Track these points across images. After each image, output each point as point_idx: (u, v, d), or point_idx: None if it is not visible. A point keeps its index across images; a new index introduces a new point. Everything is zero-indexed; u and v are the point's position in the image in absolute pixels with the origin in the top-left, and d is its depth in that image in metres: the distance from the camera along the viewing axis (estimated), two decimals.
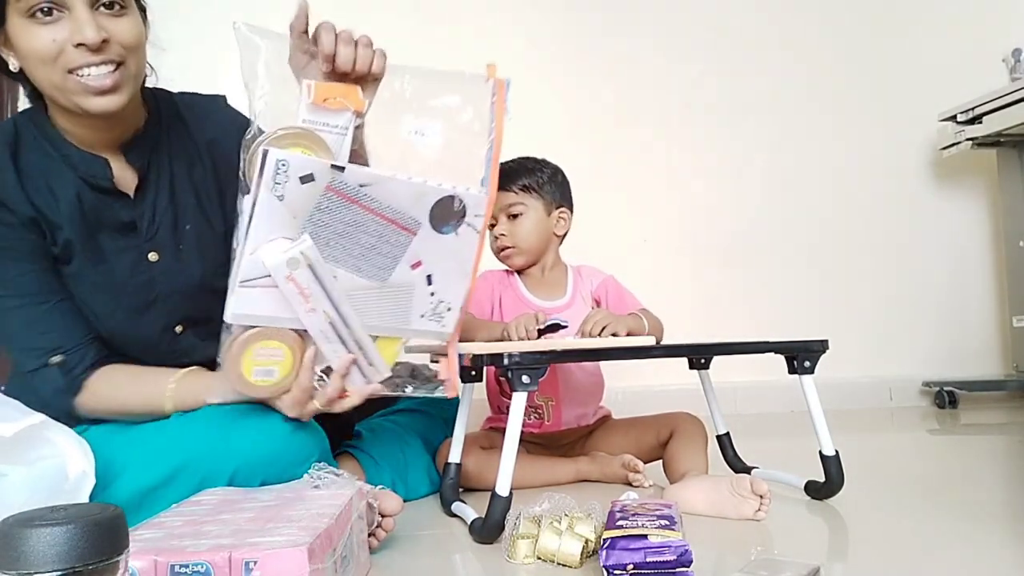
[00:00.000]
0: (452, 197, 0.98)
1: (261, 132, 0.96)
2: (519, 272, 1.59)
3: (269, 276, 0.93)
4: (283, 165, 0.90)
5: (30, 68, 1.04)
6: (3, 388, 1.15)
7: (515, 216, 1.53)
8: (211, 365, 1.07)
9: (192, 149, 1.20)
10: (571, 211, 1.60)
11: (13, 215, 1.08)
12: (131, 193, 1.15)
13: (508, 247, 1.54)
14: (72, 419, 1.09)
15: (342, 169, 0.93)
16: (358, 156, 1.05)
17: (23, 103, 1.17)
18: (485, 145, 1.02)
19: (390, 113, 1.06)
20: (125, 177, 1.14)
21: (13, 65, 1.05)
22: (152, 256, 1.16)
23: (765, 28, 2.73)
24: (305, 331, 0.99)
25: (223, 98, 1.27)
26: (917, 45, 2.78)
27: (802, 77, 2.73)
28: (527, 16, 2.56)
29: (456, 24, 2.45)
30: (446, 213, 0.99)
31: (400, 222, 0.98)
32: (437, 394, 1.08)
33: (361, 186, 0.94)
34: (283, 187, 0.90)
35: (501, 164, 1.14)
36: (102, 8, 1.01)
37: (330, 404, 1.03)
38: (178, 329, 1.18)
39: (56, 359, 1.07)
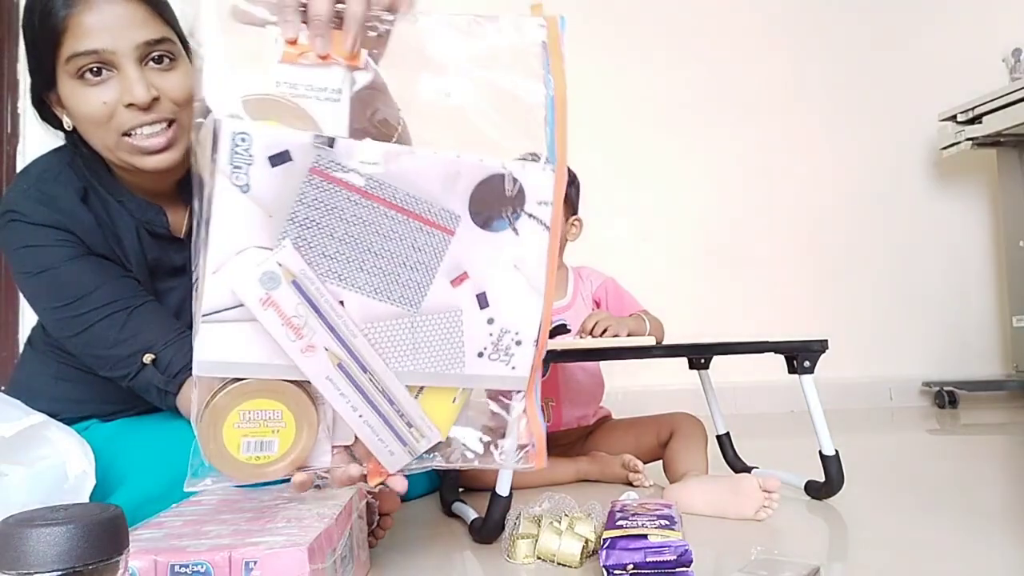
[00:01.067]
0: (501, 176, 0.71)
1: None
2: None
3: (242, 305, 0.67)
4: (243, 140, 0.65)
5: (83, 130, 1.01)
6: (2, 388, 1.15)
7: None
8: None
9: None
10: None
11: (90, 251, 1.05)
12: (182, 235, 1.12)
13: None
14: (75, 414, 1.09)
15: (331, 143, 0.67)
16: (385, 136, 0.76)
17: (24, 101, 1.16)
18: (541, 106, 0.74)
19: (403, 73, 0.77)
20: (178, 221, 1.12)
21: (67, 124, 1.03)
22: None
23: (765, 28, 2.73)
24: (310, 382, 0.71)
25: None
26: (917, 45, 2.79)
27: (802, 77, 2.74)
28: None
29: None
30: (495, 200, 0.72)
31: (428, 217, 0.70)
32: (518, 466, 0.80)
33: (364, 166, 0.68)
34: (247, 172, 0.65)
35: None
36: (151, 63, 0.98)
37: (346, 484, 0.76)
38: None
39: (148, 357, 1.00)
